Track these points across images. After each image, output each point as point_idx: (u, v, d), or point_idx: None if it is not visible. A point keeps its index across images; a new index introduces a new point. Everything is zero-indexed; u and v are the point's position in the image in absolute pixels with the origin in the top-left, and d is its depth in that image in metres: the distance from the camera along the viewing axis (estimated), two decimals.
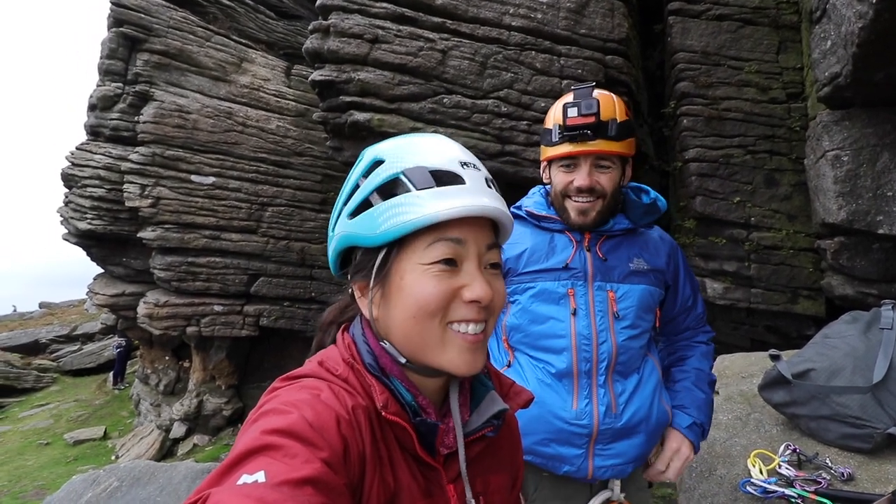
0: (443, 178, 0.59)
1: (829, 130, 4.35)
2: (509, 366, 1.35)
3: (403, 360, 0.62)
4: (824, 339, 2.35)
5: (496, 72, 5.60)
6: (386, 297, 0.61)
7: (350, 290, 0.68)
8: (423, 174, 0.59)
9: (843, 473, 1.89)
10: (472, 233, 0.60)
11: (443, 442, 0.64)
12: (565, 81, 5.54)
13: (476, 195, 0.59)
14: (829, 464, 1.95)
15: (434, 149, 0.62)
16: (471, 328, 0.60)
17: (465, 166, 0.61)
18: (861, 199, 4.17)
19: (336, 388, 0.58)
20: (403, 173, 0.59)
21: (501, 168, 5.53)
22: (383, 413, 0.58)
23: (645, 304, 1.32)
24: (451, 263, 0.59)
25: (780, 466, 1.98)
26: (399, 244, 0.59)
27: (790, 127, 5.60)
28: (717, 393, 3.01)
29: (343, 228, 0.64)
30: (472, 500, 0.65)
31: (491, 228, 0.64)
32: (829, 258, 4.64)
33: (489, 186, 0.63)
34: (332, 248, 0.67)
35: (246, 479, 0.43)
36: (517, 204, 1.45)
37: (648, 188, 1.38)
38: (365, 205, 0.61)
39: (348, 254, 0.67)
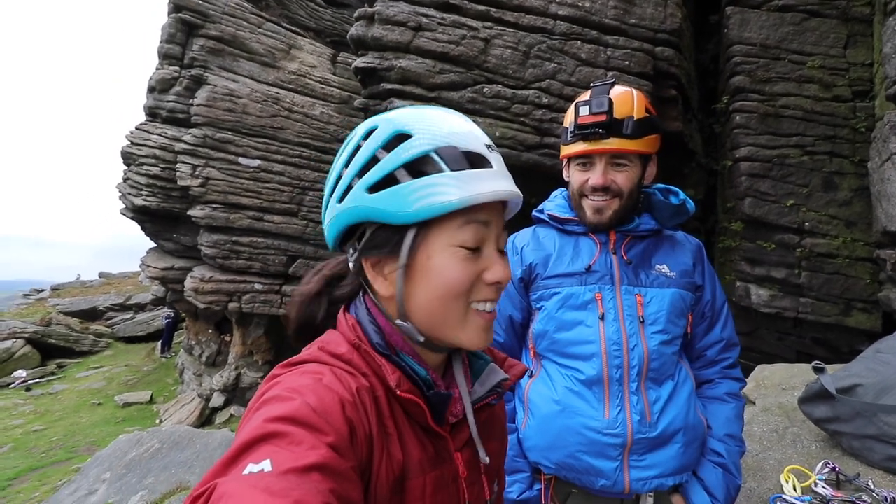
0: (473, 160, 0.60)
1: None
2: (531, 376, 1.32)
3: (422, 339, 0.62)
4: (876, 354, 2.20)
5: (539, 62, 5.48)
6: (412, 276, 0.61)
7: (348, 265, 0.67)
8: (456, 154, 0.59)
9: (886, 498, 1.77)
10: (494, 215, 0.62)
11: (451, 411, 0.65)
12: (611, 73, 5.37)
13: (503, 179, 0.61)
14: (872, 486, 1.84)
15: (462, 128, 0.62)
16: (488, 307, 0.62)
17: (490, 149, 0.62)
18: None
19: (338, 372, 0.58)
20: (435, 152, 0.58)
21: (539, 160, 5.44)
22: (398, 392, 0.59)
23: (676, 308, 1.26)
24: (477, 246, 0.61)
25: (816, 485, 1.89)
26: (427, 224, 0.59)
27: (854, 127, 5.21)
28: (754, 403, 2.89)
29: (359, 202, 0.60)
30: (486, 458, 0.67)
31: (503, 211, 0.65)
32: (889, 269, 4.32)
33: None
34: (340, 220, 0.63)
35: (252, 468, 0.43)
36: (539, 207, 1.43)
37: (677, 189, 1.32)
38: (390, 180, 0.59)
39: (354, 227, 0.64)
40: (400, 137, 0.60)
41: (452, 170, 0.58)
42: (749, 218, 5.46)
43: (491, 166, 0.60)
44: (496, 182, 0.60)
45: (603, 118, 1.19)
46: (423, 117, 0.62)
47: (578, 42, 5.52)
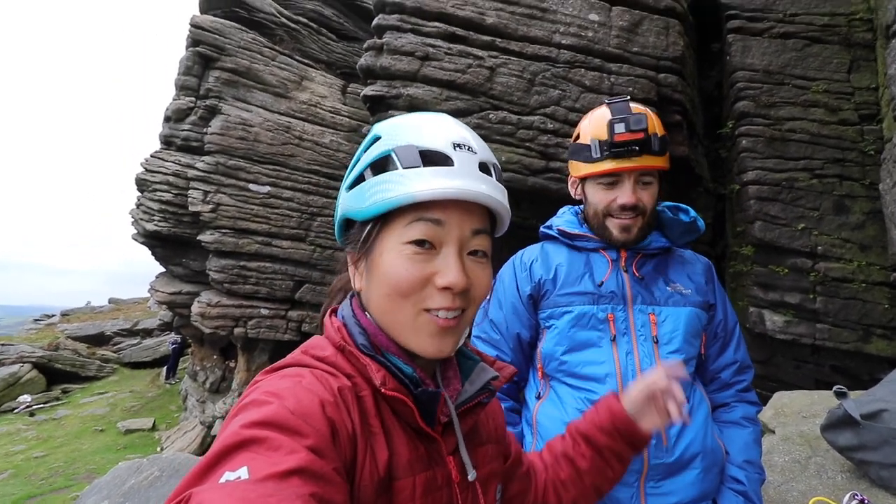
0: (431, 158, 0.59)
1: None
2: (539, 397, 1.28)
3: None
4: None
5: (544, 89, 5.58)
6: (368, 272, 0.62)
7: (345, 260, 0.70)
8: (411, 153, 0.59)
9: None
10: (455, 216, 0.59)
11: (442, 411, 0.63)
12: None
13: (462, 178, 0.59)
14: None
15: (429, 128, 0.62)
16: (441, 314, 0.59)
17: (458, 148, 0.60)
18: None
19: (318, 373, 0.57)
20: (394, 151, 0.60)
21: (546, 184, 5.46)
22: (383, 390, 0.57)
23: (693, 327, 1.23)
24: (426, 245, 0.59)
25: None
26: (383, 221, 0.60)
27: (863, 150, 5.19)
28: (773, 432, 2.76)
29: (341, 199, 0.66)
30: (473, 470, 0.64)
31: (482, 214, 0.63)
32: None
33: (484, 171, 0.62)
34: (335, 216, 0.68)
35: (228, 476, 0.42)
36: (547, 223, 1.41)
37: (687, 207, 1.31)
38: (360, 179, 0.62)
39: (350, 225, 0.68)
40: (375, 140, 0.63)
41: (404, 167, 0.58)
42: (760, 242, 5.39)
43: (452, 164, 0.59)
44: (447, 180, 0.58)
45: (641, 136, 1.18)
46: (400, 121, 0.64)
47: (582, 69, 5.62)
